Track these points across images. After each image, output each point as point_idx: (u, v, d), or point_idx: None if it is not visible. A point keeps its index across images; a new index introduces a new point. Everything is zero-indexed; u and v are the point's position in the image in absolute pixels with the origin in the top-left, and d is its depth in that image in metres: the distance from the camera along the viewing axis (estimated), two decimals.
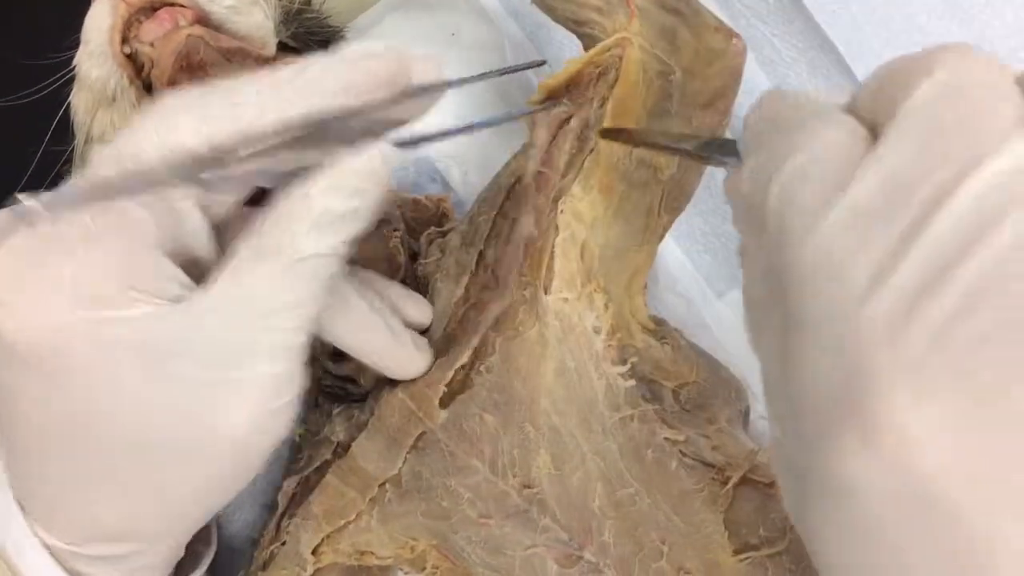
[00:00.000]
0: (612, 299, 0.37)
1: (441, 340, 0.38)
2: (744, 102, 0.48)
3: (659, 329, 0.40)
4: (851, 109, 0.24)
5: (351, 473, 0.39)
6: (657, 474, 0.36)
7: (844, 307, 0.20)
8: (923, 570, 0.19)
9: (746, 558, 0.34)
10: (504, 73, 0.37)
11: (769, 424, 0.24)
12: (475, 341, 0.36)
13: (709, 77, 0.36)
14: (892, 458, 0.19)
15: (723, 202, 0.50)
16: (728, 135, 0.37)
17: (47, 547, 0.31)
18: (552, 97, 0.37)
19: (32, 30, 0.54)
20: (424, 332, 0.38)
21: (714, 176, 0.49)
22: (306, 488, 0.41)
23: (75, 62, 0.39)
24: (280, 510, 0.41)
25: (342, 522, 0.39)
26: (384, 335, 0.35)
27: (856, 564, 0.20)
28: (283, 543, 0.40)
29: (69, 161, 0.41)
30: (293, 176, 0.28)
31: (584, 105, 0.37)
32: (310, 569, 0.40)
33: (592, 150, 0.37)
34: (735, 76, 0.36)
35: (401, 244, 0.43)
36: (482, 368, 0.37)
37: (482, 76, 0.36)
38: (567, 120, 0.37)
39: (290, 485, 0.42)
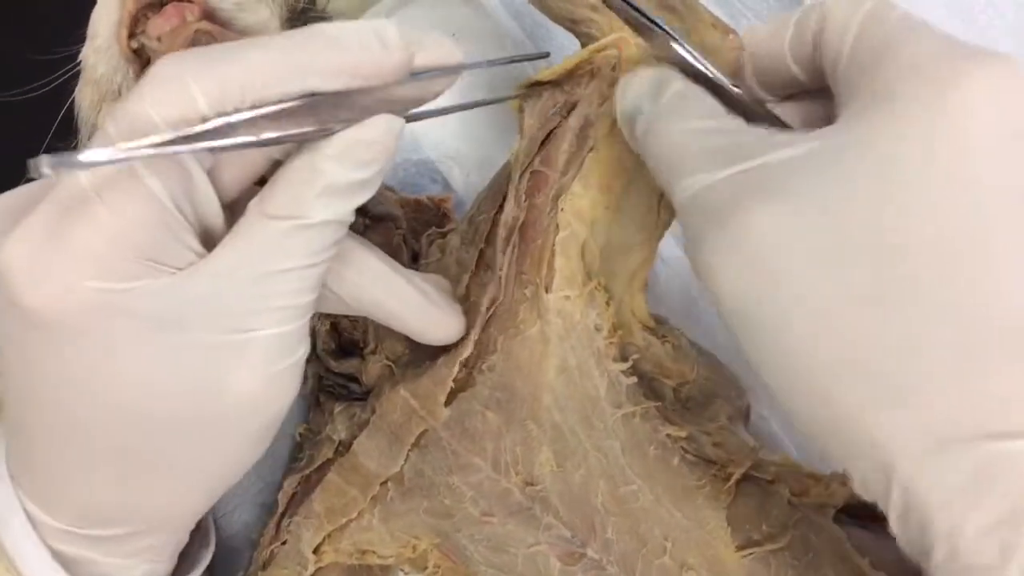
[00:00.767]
0: (613, 297, 0.38)
1: None
2: None
3: (660, 327, 0.40)
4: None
5: (353, 471, 0.39)
6: (659, 470, 0.36)
7: None
8: None
9: (749, 554, 0.34)
10: (512, 62, 0.38)
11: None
12: (476, 334, 0.37)
13: None
14: None
15: None
16: None
17: (39, 525, 0.31)
18: (536, 88, 0.38)
19: (36, 25, 0.54)
20: None
21: None
22: (307, 487, 0.41)
23: (81, 57, 0.39)
24: (280, 510, 0.41)
25: (344, 520, 0.39)
26: (414, 294, 0.35)
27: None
28: (284, 542, 0.40)
29: None
30: (302, 142, 0.29)
31: (581, 101, 0.37)
32: (311, 568, 0.40)
33: (592, 148, 0.37)
34: (732, 72, 0.37)
35: (404, 243, 0.43)
36: (484, 366, 0.37)
37: (491, 63, 0.38)
38: (563, 115, 0.37)
39: (290, 485, 0.42)
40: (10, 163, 0.43)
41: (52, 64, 0.39)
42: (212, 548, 0.39)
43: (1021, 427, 0.23)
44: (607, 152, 0.36)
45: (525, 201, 0.37)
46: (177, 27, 0.36)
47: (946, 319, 0.24)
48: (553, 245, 0.36)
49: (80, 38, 0.39)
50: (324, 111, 0.28)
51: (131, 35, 0.37)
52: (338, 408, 0.42)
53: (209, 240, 0.29)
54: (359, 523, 0.39)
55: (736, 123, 0.30)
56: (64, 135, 0.41)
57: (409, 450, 0.37)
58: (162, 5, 0.37)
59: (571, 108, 0.37)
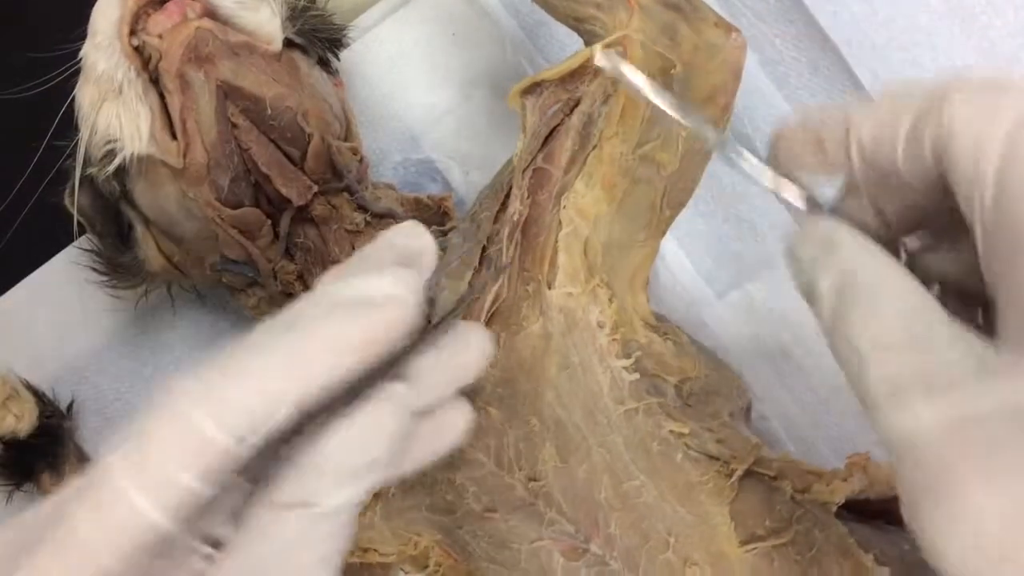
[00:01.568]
0: (615, 294, 0.38)
1: None
2: (745, 102, 0.49)
3: (661, 325, 0.40)
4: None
5: None
6: (663, 466, 0.36)
7: None
8: None
9: (752, 549, 0.34)
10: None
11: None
12: None
13: (709, 72, 0.36)
14: None
15: (723, 204, 0.50)
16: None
17: None
18: (537, 86, 0.38)
19: (36, 23, 0.54)
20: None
21: (715, 177, 0.50)
22: None
23: (81, 55, 0.38)
24: None
25: None
26: None
27: None
28: None
29: (72, 155, 0.41)
30: (307, 428, 0.26)
31: (584, 98, 0.37)
32: None
33: (595, 147, 0.37)
34: (735, 71, 0.37)
35: None
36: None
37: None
38: (565, 113, 0.37)
39: None
40: (10, 162, 0.43)
41: (52, 62, 0.39)
42: None
43: None
44: (610, 150, 0.36)
45: (528, 198, 0.37)
46: (179, 24, 0.36)
47: None
48: (556, 242, 0.36)
49: (80, 36, 0.38)
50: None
51: (132, 32, 0.37)
52: None
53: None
54: (361, 521, 0.39)
55: (932, 328, 0.24)
56: (64, 133, 0.41)
57: None
58: (163, 2, 0.37)
59: (574, 106, 0.37)
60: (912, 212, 0.26)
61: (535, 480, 0.36)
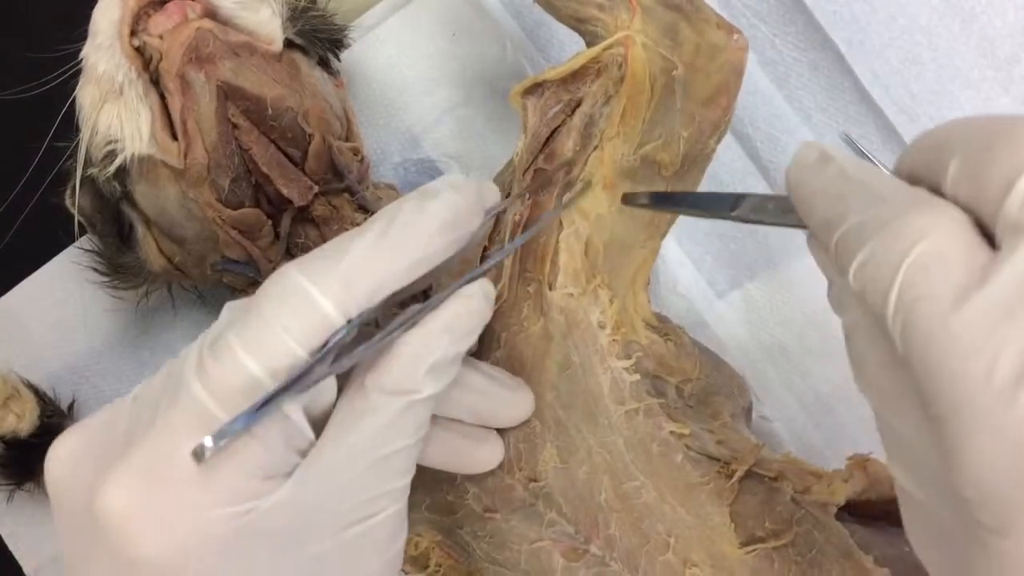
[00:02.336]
0: (616, 295, 0.38)
1: None
2: (745, 102, 0.49)
3: (662, 326, 0.40)
4: (906, 175, 0.24)
5: None
6: (663, 467, 0.36)
7: (995, 398, 0.20)
8: None
9: (752, 550, 0.34)
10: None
11: (904, 482, 0.25)
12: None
13: (711, 72, 0.36)
14: None
15: None
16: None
17: None
18: (539, 86, 0.38)
19: (37, 23, 0.54)
20: None
21: (716, 176, 0.50)
22: None
23: (82, 55, 0.38)
24: None
25: None
26: (483, 381, 0.35)
27: None
28: None
29: (73, 156, 0.41)
30: (401, 319, 0.29)
31: (585, 99, 0.37)
32: None
33: (596, 147, 0.37)
34: (737, 71, 0.37)
35: None
36: (487, 363, 0.37)
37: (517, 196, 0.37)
38: (567, 113, 0.37)
39: None
40: (11, 162, 0.43)
41: (52, 62, 0.39)
42: None
43: None
44: (611, 150, 0.36)
45: (528, 199, 0.37)
46: (179, 25, 0.36)
47: None
48: (557, 242, 0.36)
49: (81, 36, 0.38)
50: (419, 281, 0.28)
51: (132, 33, 0.37)
52: None
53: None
54: None
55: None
56: (65, 134, 0.41)
57: None
58: (163, 3, 0.37)
59: (575, 106, 0.37)
60: None
61: (535, 481, 0.36)
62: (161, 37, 0.37)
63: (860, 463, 0.37)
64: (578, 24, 0.38)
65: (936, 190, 0.23)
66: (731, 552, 0.35)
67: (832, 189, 0.25)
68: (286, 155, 0.41)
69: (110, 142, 0.38)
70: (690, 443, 0.36)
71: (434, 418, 0.31)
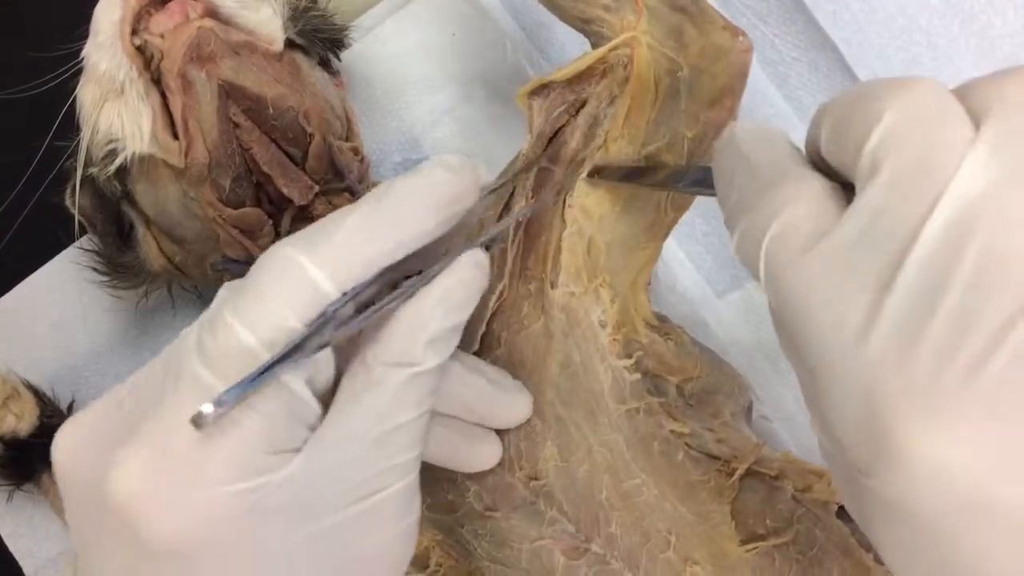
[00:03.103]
0: (618, 294, 0.38)
1: None
2: (747, 103, 0.49)
3: (663, 325, 0.40)
4: (812, 150, 0.25)
5: None
6: (663, 466, 0.36)
7: (844, 346, 0.21)
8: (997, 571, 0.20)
9: (753, 548, 0.34)
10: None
11: (819, 440, 0.25)
12: (480, 329, 0.37)
13: (716, 74, 0.36)
14: (933, 481, 0.20)
15: None
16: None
17: None
18: (545, 87, 0.38)
19: (37, 22, 0.54)
20: None
21: None
22: None
23: (83, 54, 0.38)
24: None
25: None
26: (480, 382, 0.35)
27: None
28: None
29: (73, 155, 0.41)
30: (397, 292, 0.29)
31: (590, 99, 0.37)
32: None
33: (600, 146, 0.37)
34: (741, 73, 0.37)
35: None
36: (488, 361, 0.37)
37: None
38: (571, 113, 0.37)
39: None
40: (11, 162, 0.43)
41: (53, 62, 0.39)
42: None
43: None
44: (615, 151, 0.37)
45: (531, 198, 0.37)
46: (180, 24, 0.36)
47: None
48: (559, 241, 0.36)
49: (81, 36, 0.38)
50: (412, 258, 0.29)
51: (134, 32, 0.37)
52: None
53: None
54: None
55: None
56: (65, 133, 0.41)
57: None
58: (165, 2, 0.37)
59: (580, 106, 0.37)
60: None
61: (536, 479, 0.36)
62: (162, 36, 0.37)
63: None
64: (583, 25, 0.38)
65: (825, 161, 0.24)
66: (732, 550, 0.35)
67: (727, 167, 0.26)
68: (287, 155, 0.41)
69: (111, 141, 0.38)
70: (691, 442, 0.36)
71: (433, 415, 0.31)
